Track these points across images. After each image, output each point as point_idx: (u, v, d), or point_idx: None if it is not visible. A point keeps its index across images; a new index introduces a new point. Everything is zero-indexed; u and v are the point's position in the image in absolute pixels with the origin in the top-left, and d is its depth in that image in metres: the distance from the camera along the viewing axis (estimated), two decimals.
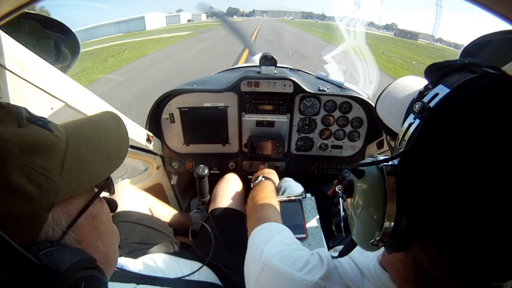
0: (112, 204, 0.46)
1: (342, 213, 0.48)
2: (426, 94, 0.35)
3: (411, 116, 0.35)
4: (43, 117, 0.37)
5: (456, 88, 0.31)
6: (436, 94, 0.33)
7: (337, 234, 0.49)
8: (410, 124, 0.35)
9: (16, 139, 0.30)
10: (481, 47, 0.74)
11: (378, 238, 0.36)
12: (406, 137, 0.36)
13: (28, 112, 0.36)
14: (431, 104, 0.33)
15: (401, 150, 0.35)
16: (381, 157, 0.38)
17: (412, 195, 0.33)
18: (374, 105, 0.58)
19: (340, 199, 0.50)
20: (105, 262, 0.39)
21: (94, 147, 0.39)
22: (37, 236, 0.31)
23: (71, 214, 0.35)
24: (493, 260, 0.29)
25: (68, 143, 0.36)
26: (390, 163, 0.36)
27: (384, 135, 0.57)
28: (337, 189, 0.50)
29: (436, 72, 0.36)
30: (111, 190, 0.44)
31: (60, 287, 0.29)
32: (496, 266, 0.29)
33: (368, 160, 0.40)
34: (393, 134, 0.51)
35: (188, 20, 60.05)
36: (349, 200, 0.44)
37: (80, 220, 0.36)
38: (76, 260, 0.32)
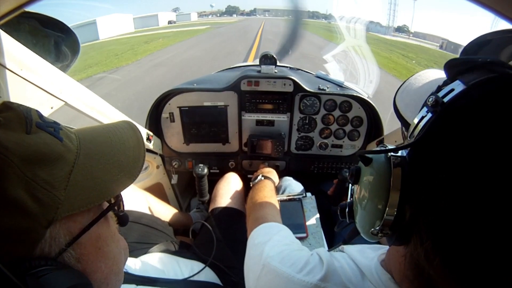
0: (123, 219, 0.43)
1: (349, 199, 0.49)
2: (443, 89, 0.34)
3: (424, 109, 0.35)
4: (56, 123, 0.35)
5: (472, 86, 0.31)
6: (452, 90, 0.33)
7: (341, 219, 0.49)
8: (423, 117, 0.35)
9: (18, 148, 0.28)
10: (481, 46, 0.73)
11: (378, 228, 0.36)
12: (417, 130, 0.35)
13: (40, 116, 0.33)
14: (445, 99, 0.32)
15: (411, 141, 0.35)
16: (391, 147, 0.38)
17: (416, 188, 0.33)
18: (394, 95, 0.57)
19: (350, 184, 0.50)
20: (105, 283, 0.37)
21: (106, 162, 0.36)
22: (31, 252, 0.29)
23: (73, 231, 0.32)
24: (489, 268, 0.28)
25: (79, 155, 0.34)
26: (399, 154, 0.36)
27: (401, 128, 0.57)
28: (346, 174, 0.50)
29: (455, 68, 0.35)
30: (120, 208, 0.41)
31: None
32: (492, 274, 0.28)
33: (377, 148, 0.40)
34: (408, 126, 0.51)
35: (169, 22, 49.18)
36: (355, 187, 0.44)
37: (82, 238, 0.33)
38: (69, 285, 0.29)
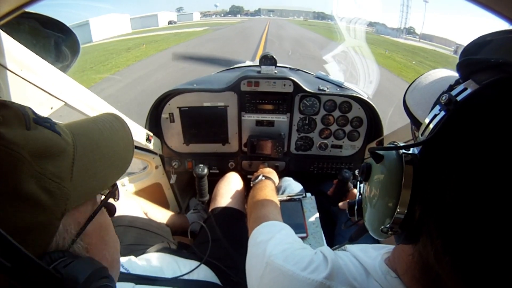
0: (111, 209, 0.45)
1: (358, 196, 0.49)
2: (455, 88, 0.35)
3: (437, 107, 0.35)
4: (49, 118, 0.36)
5: (485, 85, 0.31)
6: (465, 89, 0.33)
7: (349, 216, 0.49)
8: (435, 115, 0.35)
9: (26, 143, 0.29)
10: (481, 47, 0.73)
11: (388, 225, 0.36)
12: (430, 128, 0.36)
13: (34, 113, 0.34)
14: (458, 98, 0.33)
15: (424, 139, 0.36)
16: (402, 144, 0.38)
17: (428, 186, 0.33)
18: (404, 93, 0.57)
19: (358, 182, 0.50)
20: (111, 272, 0.38)
21: (100, 153, 0.38)
22: (48, 246, 0.30)
23: (80, 221, 0.34)
24: (500, 269, 0.27)
25: (76, 148, 0.35)
26: (410, 151, 0.37)
27: (411, 126, 0.57)
28: (356, 172, 0.50)
29: (468, 67, 0.36)
30: (115, 196, 0.43)
31: None
32: (502, 276, 0.28)
33: (390, 145, 0.40)
34: (418, 125, 0.51)
35: (169, 22, 46.38)
36: (364, 184, 0.44)
37: (88, 228, 0.35)
38: (91, 271, 0.31)
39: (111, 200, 0.42)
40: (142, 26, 36.31)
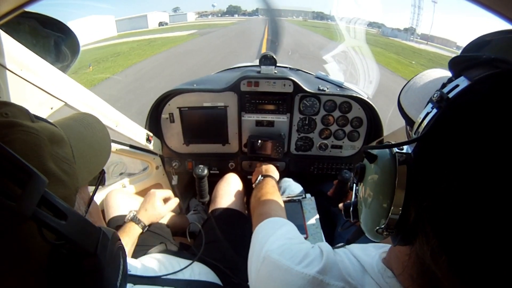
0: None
1: (353, 198, 0.49)
2: (448, 85, 0.35)
3: (429, 105, 0.35)
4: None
5: (476, 81, 0.31)
6: (456, 86, 0.33)
7: (345, 219, 0.49)
8: (428, 113, 0.35)
9: (42, 130, 0.33)
10: (480, 47, 0.73)
11: (383, 226, 0.36)
12: (422, 126, 0.35)
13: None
14: (450, 95, 0.32)
15: (416, 137, 0.35)
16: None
17: (422, 185, 0.32)
18: (398, 94, 0.57)
19: (354, 184, 0.50)
20: None
21: (87, 143, 0.42)
22: None
23: (85, 201, 0.40)
24: (496, 268, 0.27)
25: (69, 138, 0.38)
26: (404, 151, 0.36)
27: (405, 127, 0.58)
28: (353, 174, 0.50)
29: (460, 64, 0.36)
30: (102, 182, 0.48)
31: (112, 253, 0.35)
32: (498, 275, 0.27)
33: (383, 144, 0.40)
34: (412, 125, 0.50)
35: (160, 24, 41.40)
36: (360, 185, 0.44)
37: (90, 208, 0.41)
38: (112, 233, 0.37)
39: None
40: (131, 28, 32.92)
